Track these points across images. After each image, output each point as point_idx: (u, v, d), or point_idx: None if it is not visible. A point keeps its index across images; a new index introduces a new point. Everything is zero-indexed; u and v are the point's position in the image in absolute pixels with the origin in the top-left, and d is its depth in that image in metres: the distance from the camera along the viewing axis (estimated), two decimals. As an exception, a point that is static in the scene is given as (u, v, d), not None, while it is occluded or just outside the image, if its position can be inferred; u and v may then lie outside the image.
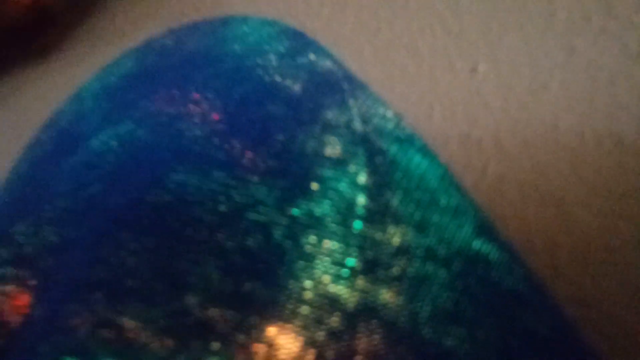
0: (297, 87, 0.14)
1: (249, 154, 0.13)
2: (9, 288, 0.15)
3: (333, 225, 0.12)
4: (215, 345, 0.11)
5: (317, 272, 0.11)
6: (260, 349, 0.11)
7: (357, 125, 0.13)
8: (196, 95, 0.15)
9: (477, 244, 0.12)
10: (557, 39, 0.20)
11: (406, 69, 0.22)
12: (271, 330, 0.11)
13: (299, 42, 0.16)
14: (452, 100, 0.20)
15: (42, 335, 0.13)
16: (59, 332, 0.12)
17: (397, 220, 0.12)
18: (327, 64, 0.15)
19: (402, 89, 0.22)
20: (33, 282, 0.15)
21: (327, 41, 0.23)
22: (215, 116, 0.15)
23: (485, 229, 0.12)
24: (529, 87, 0.19)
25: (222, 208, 0.13)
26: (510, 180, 0.18)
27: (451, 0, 0.23)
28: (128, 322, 0.11)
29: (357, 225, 0.11)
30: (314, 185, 0.12)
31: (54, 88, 0.38)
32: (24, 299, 0.14)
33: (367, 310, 0.11)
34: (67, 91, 0.37)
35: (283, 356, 0.11)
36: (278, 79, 0.14)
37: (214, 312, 0.11)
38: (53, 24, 0.42)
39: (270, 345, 0.11)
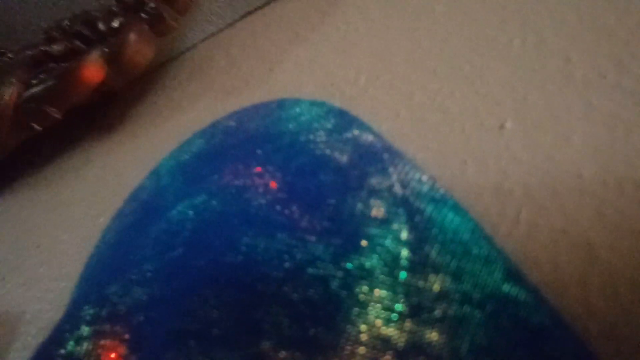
0: (344, 158, 0.16)
1: (306, 217, 0.16)
2: (107, 342, 0.17)
3: (382, 276, 0.14)
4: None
5: (371, 317, 0.13)
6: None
7: (398, 189, 0.15)
8: (258, 169, 0.18)
9: (506, 287, 0.14)
10: (576, 96, 0.22)
11: (439, 128, 0.25)
12: (335, 365, 0.13)
13: (344, 119, 0.18)
14: (483, 155, 0.22)
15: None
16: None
17: (436, 270, 0.13)
18: (369, 137, 0.17)
19: (436, 147, 0.24)
20: (127, 336, 0.17)
21: (365, 106, 0.25)
22: (275, 186, 0.17)
23: (513, 273, 0.14)
24: (554, 141, 0.21)
25: (287, 265, 0.15)
26: (542, 226, 0.19)
27: (478, 65, 0.26)
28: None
29: (403, 275, 0.13)
30: (364, 242, 0.14)
31: (119, 159, 0.42)
32: (120, 351, 0.17)
33: (414, 349, 0.13)
34: (131, 161, 0.41)
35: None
36: (327, 152, 0.17)
37: (285, 355, 0.13)
38: (115, 103, 0.46)
39: (335, 381, 0.13)
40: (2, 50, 0.50)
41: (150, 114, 0.43)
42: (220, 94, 0.39)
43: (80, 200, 0.40)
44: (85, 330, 0.17)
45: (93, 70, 0.40)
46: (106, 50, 0.40)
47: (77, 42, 0.41)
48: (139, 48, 0.40)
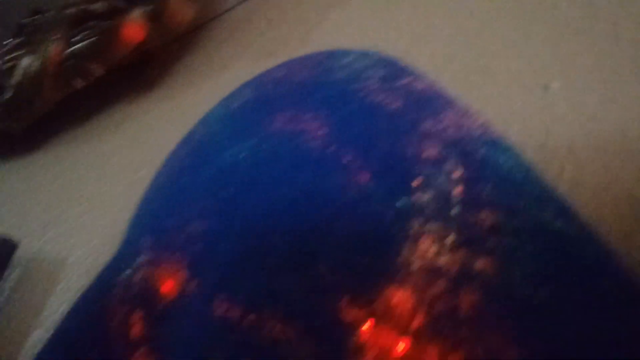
0: (396, 105, 0.17)
1: (358, 159, 0.16)
2: (166, 268, 0.18)
3: (434, 211, 0.14)
4: (345, 301, 0.14)
5: (422, 248, 0.14)
6: (380, 305, 0.14)
7: (451, 132, 0.16)
8: (309, 115, 0.18)
9: (558, 223, 0.14)
10: (623, 58, 0.22)
11: (482, 89, 0.25)
12: (388, 292, 0.14)
13: (396, 67, 0.19)
14: (527, 115, 0.23)
15: (194, 304, 0.17)
16: (208, 309, 0.15)
17: (489, 206, 0.14)
18: (422, 84, 0.18)
19: (479, 107, 0.24)
20: (185, 263, 0.18)
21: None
22: (327, 131, 0.18)
23: (564, 211, 0.15)
24: (599, 101, 0.21)
25: (340, 202, 0.16)
26: (585, 183, 0.20)
27: (523, 27, 0.26)
28: (278, 284, 0.14)
29: (455, 210, 0.14)
30: (415, 182, 0.15)
31: (157, 117, 0.43)
32: (179, 276, 0.18)
33: (466, 276, 0.13)
34: (169, 119, 0.42)
35: (399, 311, 0.13)
36: (379, 98, 0.17)
37: (340, 278, 0.14)
38: (154, 62, 0.47)
39: (388, 302, 0.14)
40: (43, 9, 0.51)
41: (188, 74, 0.44)
42: (258, 55, 0.40)
43: (120, 155, 0.42)
44: (144, 257, 0.18)
45: (134, 28, 0.41)
46: (148, 9, 0.41)
47: (119, 1, 0.42)
48: (180, 7, 0.41)
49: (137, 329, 0.17)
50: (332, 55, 0.20)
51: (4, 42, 0.51)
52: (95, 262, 0.36)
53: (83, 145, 0.45)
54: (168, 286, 0.18)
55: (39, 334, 0.36)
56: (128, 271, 0.18)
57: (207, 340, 0.14)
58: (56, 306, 0.36)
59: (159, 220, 0.20)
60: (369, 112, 0.18)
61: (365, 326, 0.14)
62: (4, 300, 0.39)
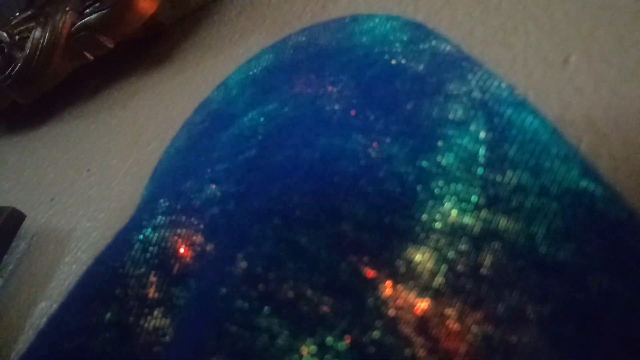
0: (420, 67, 0.17)
1: (381, 121, 0.16)
2: (182, 231, 0.18)
3: (458, 172, 0.14)
4: (366, 259, 0.14)
5: (446, 207, 0.14)
6: (401, 263, 0.14)
7: (476, 94, 0.16)
8: (331, 78, 0.18)
9: (583, 183, 0.14)
10: (645, 31, 0.22)
11: (500, 63, 0.25)
12: (410, 251, 0.14)
13: (421, 31, 0.18)
14: (545, 89, 0.23)
15: (212, 265, 0.17)
16: (228, 266, 0.15)
17: (514, 166, 0.14)
18: (447, 47, 0.18)
19: (497, 80, 0.24)
20: (202, 226, 0.18)
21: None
22: (349, 93, 0.18)
23: (590, 171, 0.15)
24: (620, 74, 0.21)
25: (362, 162, 0.16)
26: (603, 155, 0.20)
27: (543, 2, 0.26)
28: (302, 240, 0.14)
29: (480, 170, 0.14)
30: (440, 142, 0.15)
31: (168, 91, 0.43)
32: (195, 240, 0.18)
33: (490, 235, 0.13)
34: (179, 93, 0.42)
35: (420, 269, 0.13)
36: (403, 61, 0.17)
37: (364, 235, 0.14)
38: (165, 36, 0.47)
39: (410, 261, 0.14)
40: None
41: (200, 49, 0.44)
42: (271, 29, 0.39)
43: (129, 129, 0.41)
44: (161, 219, 0.18)
45: (147, 1, 0.41)
46: (161, -20, 0.40)
47: (132, -27, 0.42)
48: (194, -20, 0.40)
49: (152, 290, 0.17)
50: (355, 20, 0.20)
51: (15, 15, 0.51)
52: (102, 234, 0.36)
53: (92, 118, 0.45)
54: (185, 248, 0.18)
55: (46, 305, 0.36)
56: (145, 233, 0.18)
57: (226, 299, 0.14)
58: (63, 278, 0.36)
59: (176, 183, 0.20)
60: (392, 74, 0.17)
61: (386, 284, 0.14)
62: (10, 271, 0.39)
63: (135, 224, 0.19)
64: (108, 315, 0.17)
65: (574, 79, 0.22)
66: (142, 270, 0.18)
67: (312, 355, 0.12)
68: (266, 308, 0.13)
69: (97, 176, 0.40)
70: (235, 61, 0.36)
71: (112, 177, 0.39)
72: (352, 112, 0.17)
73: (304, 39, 0.21)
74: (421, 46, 0.18)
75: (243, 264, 0.14)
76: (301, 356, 0.12)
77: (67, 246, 0.37)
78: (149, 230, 0.18)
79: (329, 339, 0.12)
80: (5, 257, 0.38)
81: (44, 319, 0.35)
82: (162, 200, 0.19)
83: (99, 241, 0.35)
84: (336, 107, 0.17)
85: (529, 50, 0.24)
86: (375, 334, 0.13)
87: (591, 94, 0.21)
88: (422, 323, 0.13)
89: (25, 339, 0.34)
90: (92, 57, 0.44)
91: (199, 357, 0.13)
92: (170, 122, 0.38)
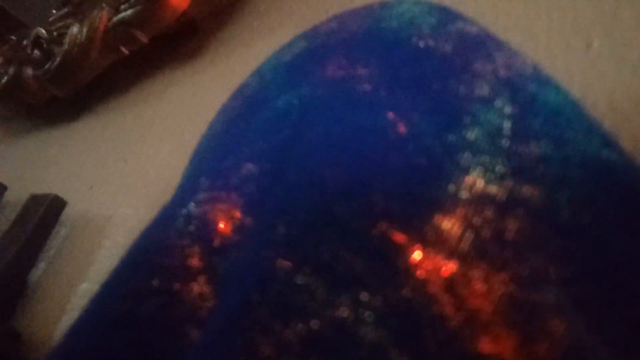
0: (448, 48, 0.18)
1: (410, 99, 0.17)
2: (222, 206, 0.19)
3: (484, 144, 0.15)
4: (396, 225, 0.15)
5: (472, 177, 0.15)
6: (429, 229, 0.15)
7: (502, 72, 0.17)
8: (362, 61, 0.19)
9: (605, 153, 0.15)
10: (666, 15, 0.22)
11: (525, 49, 0.26)
12: (438, 217, 0.15)
13: (448, 14, 0.19)
14: (568, 72, 0.23)
15: (252, 234, 0.18)
16: (267, 232, 0.16)
17: (538, 138, 0.15)
18: (473, 29, 0.19)
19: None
20: (241, 202, 0.19)
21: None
22: (378, 75, 0.19)
23: (611, 142, 0.15)
24: (640, 57, 0.22)
25: (392, 138, 0.17)
26: (624, 133, 0.21)
27: (566, -12, 0.26)
28: (336, 208, 0.15)
29: (505, 143, 0.15)
30: (466, 118, 0.16)
31: (200, 85, 0.44)
32: (235, 214, 0.19)
33: (515, 202, 0.14)
34: (211, 85, 0.43)
35: (447, 235, 0.14)
36: (431, 43, 0.18)
37: (393, 204, 0.15)
38: (197, 30, 0.49)
39: (437, 227, 0.15)
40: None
41: (230, 43, 0.45)
42: (299, 23, 0.40)
43: (164, 119, 0.43)
44: (202, 196, 0.19)
45: (180, -4, 0.43)
46: (194, -24, 0.42)
47: (166, -30, 0.43)
48: (226, -25, 0.42)
49: (195, 260, 0.18)
50: (384, 5, 0.21)
51: (52, 12, 0.53)
52: (139, 220, 0.38)
53: (128, 110, 0.47)
54: (224, 223, 0.19)
55: (87, 287, 0.38)
56: (188, 208, 0.19)
57: (267, 261, 0.15)
58: (103, 261, 0.38)
59: (214, 162, 0.21)
60: (420, 56, 0.18)
61: (415, 248, 0.15)
62: (53, 255, 0.41)
63: (178, 200, 0.20)
64: (155, 282, 0.18)
65: (597, 63, 0.23)
66: (186, 241, 0.19)
67: (348, 309, 0.13)
68: (305, 267, 0.14)
69: (133, 165, 0.42)
70: (265, 54, 0.37)
71: (148, 166, 0.41)
72: (382, 92, 0.18)
73: (335, 25, 0.22)
74: (448, 28, 0.19)
75: (282, 230, 0.15)
76: (337, 310, 0.13)
77: (106, 231, 0.39)
78: (192, 205, 0.19)
79: (363, 295, 0.13)
80: (47, 242, 0.40)
81: (86, 299, 0.37)
82: (202, 179, 0.20)
83: (136, 226, 0.37)
84: (367, 87, 0.18)
85: (552, 36, 0.25)
86: (406, 291, 0.14)
87: (613, 77, 0.22)
88: (449, 284, 0.14)
89: (67, 319, 0.36)
90: (127, 52, 0.46)
91: (244, 313, 0.14)
92: (203, 112, 0.39)
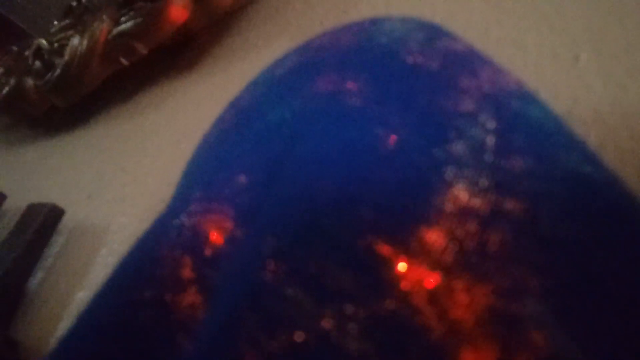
0: (435, 64, 0.18)
1: (398, 114, 0.18)
2: (214, 217, 0.20)
3: (468, 158, 0.15)
4: (382, 238, 0.15)
5: (456, 191, 0.15)
6: (414, 242, 0.15)
7: (486, 88, 0.17)
8: (352, 76, 0.20)
9: (586, 168, 0.15)
10: (652, 30, 0.23)
11: (513, 61, 0.26)
12: (422, 230, 0.15)
13: (436, 31, 0.20)
14: (556, 85, 0.24)
15: (242, 246, 0.18)
16: (257, 244, 0.17)
17: (521, 153, 0.15)
18: (460, 46, 0.19)
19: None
20: (232, 213, 0.19)
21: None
22: (367, 90, 0.19)
23: (592, 158, 0.16)
24: (628, 71, 0.22)
25: (380, 152, 0.17)
26: (609, 147, 0.21)
27: (555, 3, 0.27)
28: (324, 221, 0.15)
29: (488, 157, 0.15)
30: (451, 132, 0.16)
31: (198, 94, 0.45)
32: (226, 225, 0.19)
33: (497, 214, 0.14)
34: (208, 96, 0.43)
35: (432, 247, 0.15)
36: (419, 59, 0.19)
37: (380, 218, 0.15)
38: (194, 43, 0.49)
39: (422, 239, 0.15)
40: (90, -8, 0.53)
41: (227, 54, 0.45)
42: (295, 35, 0.41)
43: (161, 130, 0.44)
44: (194, 207, 0.20)
45: (179, 9, 0.43)
46: (192, -11, 0.42)
47: (164, -18, 0.44)
48: (223, -12, 0.42)
49: (187, 271, 0.19)
50: (374, 22, 0.21)
51: (53, 24, 0.54)
52: (136, 229, 0.38)
53: (126, 121, 0.47)
54: (216, 234, 0.19)
55: (84, 295, 0.38)
56: (179, 219, 0.20)
57: (256, 273, 0.16)
58: (99, 270, 0.38)
59: (207, 174, 0.21)
60: (408, 71, 0.19)
61: (400, 261, 0.15)
62: (50, 264, 0.41)
63: (171, 212, 0.21)
64: (147, 293, 0.18)
65: (584, 76, 0.23)
66: (178, 252, 0.19)
67: (333, 321, 0.14)
68: (292, 279, 0.14)
69: (131, 175, 0.42)
70: (261, 65, 0.37)
71: (145, 175, 0.41)
72: (371, 107, 0.18)
73: (326, 40, 0.22)
74: (436, 45, 0.19)
75: (271, 242, 0.16)
76: (322, 321, 0.14)
77: (103, 240, 0.39)
78: (184, 216, 0.20)
79: (348, 307, 0.14)
80: (45, 250, 0.40)
81: (82, 308, 0.37)
82: (195, 190, 0.21)
83: (133, 234, 0.37)
84: (356, 102, 0.19)
85: (541, 48, 0.25)
86: (390, 303, 0.14)
87: (600, 90, 0.23)
88: (433, 295, 0.14)
89: (65, 327, 0.37)
90: (127, 63, 0.46)
91: (232, 324, 0.15)
92: (200, 123, 0.40)
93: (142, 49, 0.45)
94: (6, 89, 0.51)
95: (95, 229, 0.41)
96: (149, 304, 0.18)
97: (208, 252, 0.19)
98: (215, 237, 0.19)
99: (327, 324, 0.14)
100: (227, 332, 0.14)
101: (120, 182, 0.42)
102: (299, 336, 0.13)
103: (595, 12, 0.25)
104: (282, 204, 0.17)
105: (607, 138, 0.21)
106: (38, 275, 0.40)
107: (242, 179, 0.20)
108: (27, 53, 0.53)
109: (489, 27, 0.28)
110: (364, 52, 0.20)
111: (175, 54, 0.49)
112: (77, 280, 0.39)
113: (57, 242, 0.42)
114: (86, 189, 0.45)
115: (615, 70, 0.23)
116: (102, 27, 0.46)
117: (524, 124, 0.16)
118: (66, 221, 0.42)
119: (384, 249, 0.15)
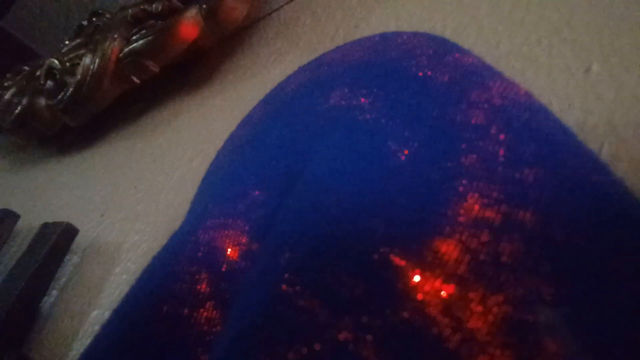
0: (445, 77, 0.18)
1: (409, 128, 0.18)
2: (231, 232, 0.20)
3: (480, 171, 0.16)
4: (397, 250, 0.15)
5: (469, 203, 0.15)
6: (428, 254, 0.15)
7: (497, 101, 0.17)
8: (364, 91, 0.20)
9: (595, 177, 0.15)
10: (663, 40, 0.23)
11: (525, 74, 0.26)
12: (436, 242, 0.15)
13: (445, 45, 0.20)
14: (568, 96, 0.24)
15: (258, 259, 0.18)
16: (273, 258, 0.17)
17: (532, 164, 0.15)
18: (469, 59, 0.19)
19: (522, 91, 0.25)
20: (247, 228, 0.20)
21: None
22: (380, 104, 0.19)
23: (602, 167, 0.16)
24: (639, 81, 0.22)
25: (393, 165, 0.17)
26: (623, 158, 0.21)
27: (566, 14, 0.27)
28: (339, 234, 0.15)
29: (499, 169, 0.15)
30: (463, 145, 0.16)
31: (209, 111, 0.45)
32: (242, 240, 0.20)
33: (509, 225, 0.14)
34: (220, 113, 0.44)
35: (446, 258, 0.15)
36: (429, 73, 0.19)
37: (394, 229, 0.15)
38: (205, 60, 0.50)
39: (436, 251, 0.15)
40: (101, 11, 0.54)
41: (238, 71, 0.46)
42: (305, 51, 0.41)
43: (173, 147, 0.44)
44: (210, 223, 0.20)
45: (190, 26, 0.44)
46: (204, 7, 0.43)
47: (175, 1, 0.44)
48: (235, 5, 0.43)
49: (203, 286, 0.19)
50: (384, 37, 0.22)
51: (64, 43, 0.55)
52: (150, 246, 0.38)
53: (138, 139, 0.48)
54: (232, 249, 0.19)
55: (98, 313, 0.38)
56: (196, 235, 0.20)
57: (272, 285, 0.16)
58: (113, 288, 0.38)
59: (221, 190, 0.22)
60: (418, 85, 0.19)
61: (415, 272, 0.15)
62: (64, 283, 0.41)
63: (187, 227, 0.21)
64: (165, 308, 0.19)
65: (596, 86, 0.23)
66: (195, 267, 0.19)
67: (349, 331, 0.14)
68: (308, 291, 0.15)
69: (144, 192, 0.42)
70: (272, 81, 0.38)
71: (158, 193, 0.41)
72: (383, 120, 0.19)
73: (337, 56, 0.23)
74: (445, 59, 0.19)
75: (286, 255, 0.16)
76: (339, 332, 0.14)
77: (117, 258, 0.39)
78: (200, 232, 0.20)
79: (364, 317, 0.14)
80: (59, 269, 0.41)
81: (97, 327, 0.37)
82: (210, 206, 0.21)
83: (147, 253, 0.37)
84: (368, 116, 0.19)
85: (553, 61, 0.26)
86: (406, 314, 0.14)
87: (612, 101, 0.22)
88: (448, 306, 0.14)
89: (79, 346, 0.37)
90: (138, 81, 0.47)
91: (249, 336, 0.15)
92: (212, 139, 0.40)
93: (154, 67, 0.45)
94: (19, 108, 0.52)
95: (108, 247, 0.41)
96: (166, 318, 0.18)
97: (224, 267, 0.19)
98: (231, 252, 0.19)
99: (343, 334, 0.14)
100: (245, 343, 0.14)
101: (133, 200, 0.43)
102: (316, 346, 0.13)
103: (605, 23, 0.25)
104: (296, 218, 0.17)
105: (620, 148, 0.21)
106: (52, 294, 0.40)
107: (256, 194, 0.20)
108: (38, 73, 0.54)
109: (500, 40, 0.28)
110: (375, 67, 0.21)
111: (186, 72, 0.50)
112: (91, 298, 0.39)
113: (71, 260, 0.42)
114: (99, 208, 0.45)
115: (627, 80, 0.23)
116: (114, 46, 0.46)
117: (534, 135, 0.16)
118: (80, 240, 0.42)
119: (399, 261, 0.15)
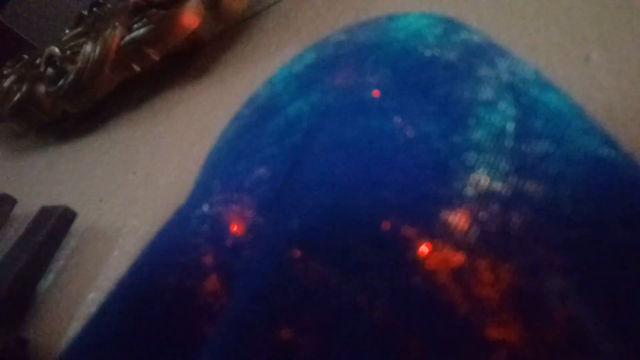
0: (452, 56, 0.19)
1: (417, 105, 0.18)
2: (236, 207, 0.20)
3: (488, 144, 0.16)
4: (405, 220, 0.15)
5: (477, 176, 0.16)
6: (438, 224, 0.15)
7: (505, 77, 0.17)
8: (370, 70, 0.20)
9: (604, 151, 0.16)
10: (661, 29, 0.23)
11: (525, 62, 0.27)
12: (445, 213, 0.15)
13: (453, 25, 0.20)
14: (568, 83, 0.24)
15: (265, 230, 0.18)
16: (282, 225, 0.17)
17: (540, 137, 0.16)
18: (477, 38, 0.20)
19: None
20: (253, 204, 0.20)
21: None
22: (387, 82, 0.20)
23: (610, 142, 0.16)
24: (638, 68, 0.23)
25: (400, 140, 0.18)
26: (622, 141, 0.21)
27: (565, 3, 0.27)
28: (348, 203, 0.16)
29: (508, 143, 0.16)
30: (471, 120, 0.17)
31: (209, 99, 0.45)
32: (247, 214, 0.20)
33: (518, 199, 0.15)
34: (219, 102, 0.44)
35: (455, 228, 0.15)
36: (437, 52, 0.19)
37: (402, 201, 0.16)
38: (205, 50, 0.50)
39: (445, 222, 0.15)
40: (102, 1, 0.54)
41: (238, 61, 0.46)
42: (306, 41, 0.42)
43: (173, 135, 0.44)
44: (215, 198, 0.20)
45: (191, 15, 0.44)
46: (205, -4, 0.43)
47: (178, -10, 0.45)
48: (236, -5, 0.43)
49: (208, 259, 0.19)
50: (391, 18, 0.22)
51: (65, 32, 0.55)
52: (148, 231, 0.39)
53: (137, 126, 0.48)
54: (236, 225, 0.20)
55: (95, 296, 0.38)
56: (201, 209, 0.20)
57: (280, 251, 0.16)
58: (111, 271, 0.39)
59: (227, 166, 0.22)
60: (426, 64, 0.19)
61: (424, 242, 0.15)
62: (62, 266, 0.42)
63: (192, 202, 0.21)
64: (170, 279, 0.19)
65: (595, 74, 0.24)
66: (200, 240, 0.19)
67: (360, 295, 0.14)
68: (319, 256, 0.15)
69: (142, 178, 0.43)
70: (272, 71, 0.38)
71: (157, 179, 0.41)
72: (390, 98, 0.19)
73: (343, 37, 0.23)
74: (453, 38, 0.20)
75: (296, 221, 0.16)
76: (350, 294, 0.14)
77: (115, 242, 0.40)
78: (205, 206, 0.20)
79: (375, 281, 0.14)
80: (57, 252, 0.41)
81: (94, 309, 0.37)
82: (215, 182, 0.21)
83: (145, 237, 0.37)
84: (375, 93, 0.19)
85: (552, 50, 0.26)
86: (415, 280, 0.14)
87: (611, 87, 0.23)
88: (457, 274, 0.15)
89: (75, 327, 0.37)
90: (139, 69, 0.47)
91: (258, 303, 0.15)
92: (211, 127, 0.41)
93: (154, 56, 0.45)
94: (18, 95, 0.52)
95: (106, 231, 0.41)
96: (171, 289, 0.19)
97: (229, 242, 0.19)
98: (237, 228, 0.20)
99: (354, 296, 0.14)
100: (257, 306, 0.15)
101: (132, 185, 0.43)
102: (327, 308, 0.14)
103: (604, 11, 0.25)
104: (305, 189, 0.18)
105: (620, 136, 0.21)
106: (50, 277, 0.40)
107: (262, 170, 0.20)
108: (38, 61, 0.54)
109: (499, 29, 0.28)
110: (382, 47, 0.21)
111: (187, 61, 0.50)
112: (88, 281, 0.39)
113: (69, 244, 0.42)
114: (98, 193, 0.45)
115: (626, 68, 0.23)
116: (115, 34, 0.46)
117: (543, 110, 0.17)
118: (78, 224, 0.42)
119: (408, 231, 0.16)
